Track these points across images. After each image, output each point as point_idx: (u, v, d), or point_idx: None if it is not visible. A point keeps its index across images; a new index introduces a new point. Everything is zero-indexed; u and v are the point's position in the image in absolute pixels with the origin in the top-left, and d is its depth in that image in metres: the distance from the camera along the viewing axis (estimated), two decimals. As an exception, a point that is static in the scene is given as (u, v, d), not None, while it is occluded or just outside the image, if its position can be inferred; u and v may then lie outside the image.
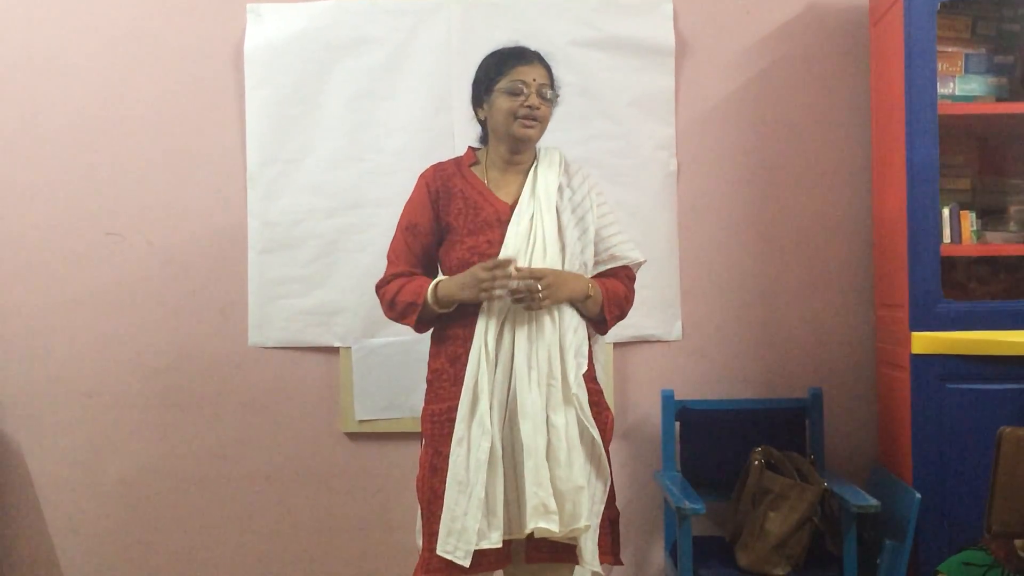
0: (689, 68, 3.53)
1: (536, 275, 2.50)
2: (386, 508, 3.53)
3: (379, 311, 2.77)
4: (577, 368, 2.56)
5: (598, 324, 2.70)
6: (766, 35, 3.53)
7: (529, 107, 2.60)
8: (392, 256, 2.72)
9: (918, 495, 2.90)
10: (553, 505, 2.46)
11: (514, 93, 2.61)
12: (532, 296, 2.49)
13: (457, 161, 2.74)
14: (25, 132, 3.61)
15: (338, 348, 3.53)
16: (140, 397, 3.60)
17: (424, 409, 2.66)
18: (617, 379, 3.53)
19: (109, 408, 3.60)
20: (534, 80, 2.62)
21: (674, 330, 3.53)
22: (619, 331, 3.48)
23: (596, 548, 2.56)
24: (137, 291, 3.59)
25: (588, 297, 2.60)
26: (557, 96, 2.70)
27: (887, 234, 3.28)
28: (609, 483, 2.62)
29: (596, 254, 2.69)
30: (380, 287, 2.72)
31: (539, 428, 2.48)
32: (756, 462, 3.17)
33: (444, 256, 2.67)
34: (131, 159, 3.60)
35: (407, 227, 2.69)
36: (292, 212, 3.53)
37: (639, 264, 2.78)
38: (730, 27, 3.54)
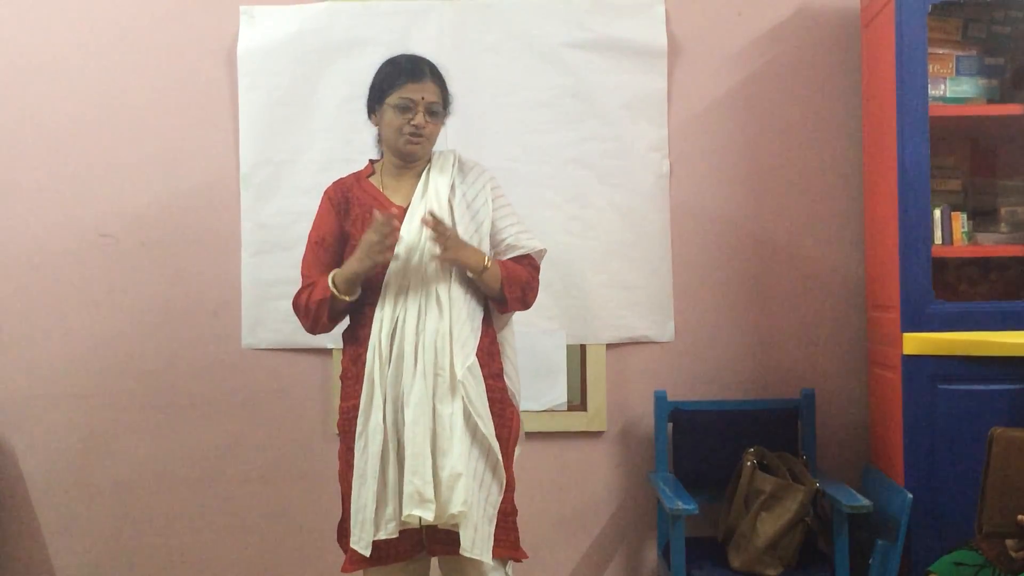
0: (681, 69, 3.54)
1: (444, 227, 2.58)
2: (379, 509, 3.53)
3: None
4: (464, 358, 2.60)
5: (499, 303, 2.73)
6: (758, 37, 3.54)
7: (415, 126, 2.67)
8: (305, 271, 2.77)
9: (910, 495, 2.90)
10: (429, 493, 2.51)
11: (403, 109, 2.68)
12: (441, 235, 2.55)
13: (356, 175, 2.82)
14: (18, 134, 3.61)
15: (331, 349, 3.53)
16: (133, 399, 3.60)
17: (339, 406, 2.74)
18: (610, 380, 3.54)
19: (102, 410, 3.60)
20: (423, 98, 2.67)
21: (667, 331, 3.54)
22: (612, 332, 3.52)
23: (480, 538, 2.57)
24: (130, 293, 3.59)
25: (485, 269, 2.64)
26: (447, 112, 2.77)
27: (878, 235, 3.29)
28: (505, 479, 2.64)
29: (494, 246, 2.75)
30: (295, 300, 2.76)
31: (419, 418, 2.53)
32: (749, 463, 3.18)
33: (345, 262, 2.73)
34: (124, 161, 3.60)
35: (316, 242, 2.76)
36: (285, 214, 3.53)
37: (541, 253, 2.81)
38: (722, 29, 3.55)
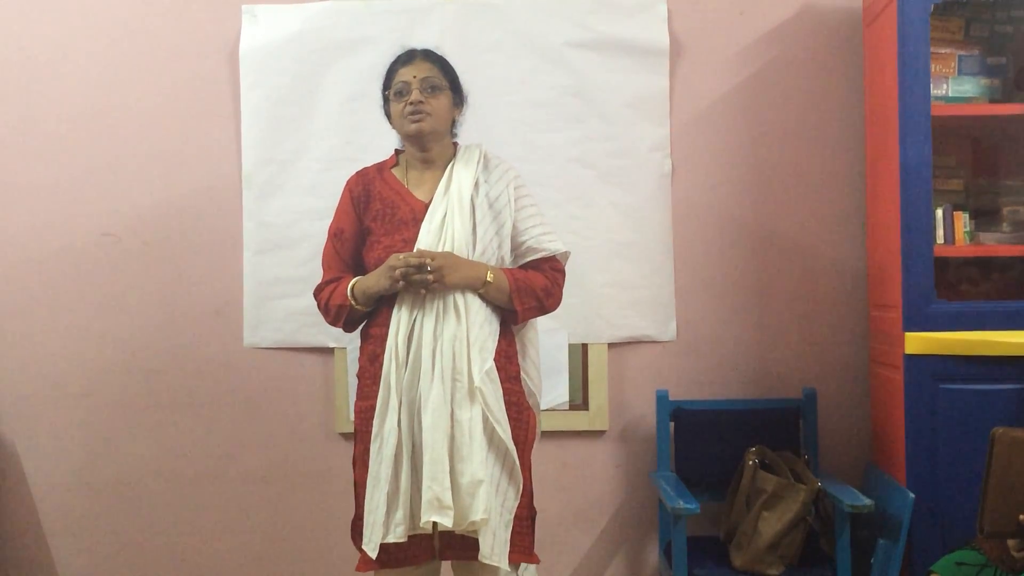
0: (683, 69, 3.54)
1: (427, 256, 2.53)
2: (381, 508, 3.54)
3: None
4: (482, 363, 2.56)
5: (509, 315, 2.69)
6: (760, 36, 3.54)
7: (412, 103, 2.65)
8: (324, 263, 2.77)
9: (911, 495, 2.91)
10: (448, 500, 2.47)
11: (399, 94, 2.68)
12: (421, 273, 2.50)
13: (380, 165, 2.80)
14: (21, 132, 3.62)
15: (333, 348, 3.53)
16: (136, 398, 3.60)
17: (355, 405, 2.70)
18: (612, 379, 3.54)
19: (104, 409, 3.61)
20: (414, 77, 2.67)
21: (668, 330, 3.54)
22: (614, 331, 3.52)
23: (499, 544, 2.55)
24: (132, 292, 3.60)
25: (487, 283, 2.60)
26: (460, 96, 2.76)
27: (881, 234, 3.29)
28: (522, 484, 2.61)
29: (514, 248, 2.71)
30: (316, 293, 2.77)
31: (438, 424, 2.50)
32: (750, 462, 3.18)
33: (365, 257, 2.71)
34: (127, 160, 3.60)
35: (335, 234, 2.75)
36: (287, 213, 3.54)
37: (565, 255, 2.77)
38: (724, 28, 3.54)
